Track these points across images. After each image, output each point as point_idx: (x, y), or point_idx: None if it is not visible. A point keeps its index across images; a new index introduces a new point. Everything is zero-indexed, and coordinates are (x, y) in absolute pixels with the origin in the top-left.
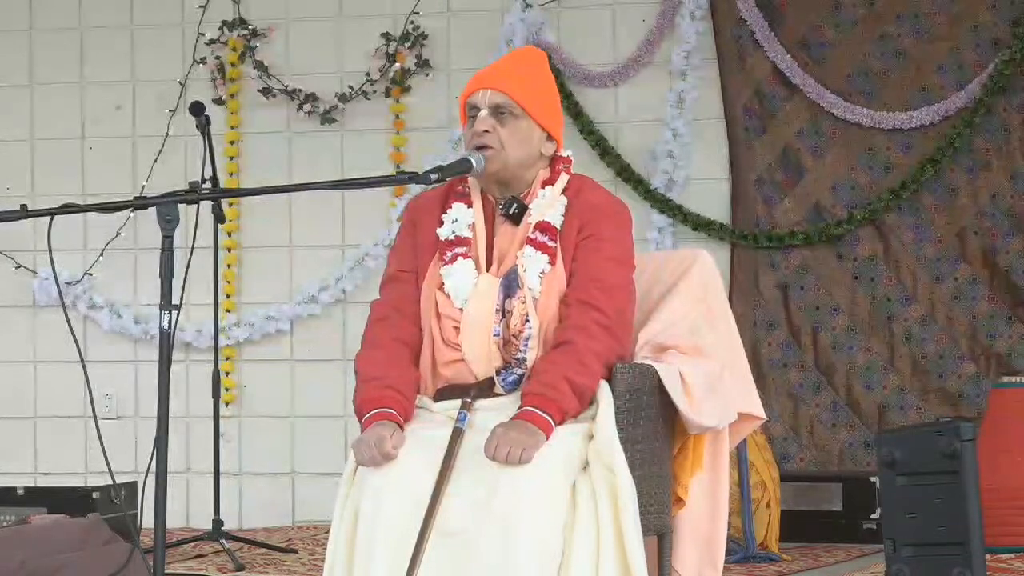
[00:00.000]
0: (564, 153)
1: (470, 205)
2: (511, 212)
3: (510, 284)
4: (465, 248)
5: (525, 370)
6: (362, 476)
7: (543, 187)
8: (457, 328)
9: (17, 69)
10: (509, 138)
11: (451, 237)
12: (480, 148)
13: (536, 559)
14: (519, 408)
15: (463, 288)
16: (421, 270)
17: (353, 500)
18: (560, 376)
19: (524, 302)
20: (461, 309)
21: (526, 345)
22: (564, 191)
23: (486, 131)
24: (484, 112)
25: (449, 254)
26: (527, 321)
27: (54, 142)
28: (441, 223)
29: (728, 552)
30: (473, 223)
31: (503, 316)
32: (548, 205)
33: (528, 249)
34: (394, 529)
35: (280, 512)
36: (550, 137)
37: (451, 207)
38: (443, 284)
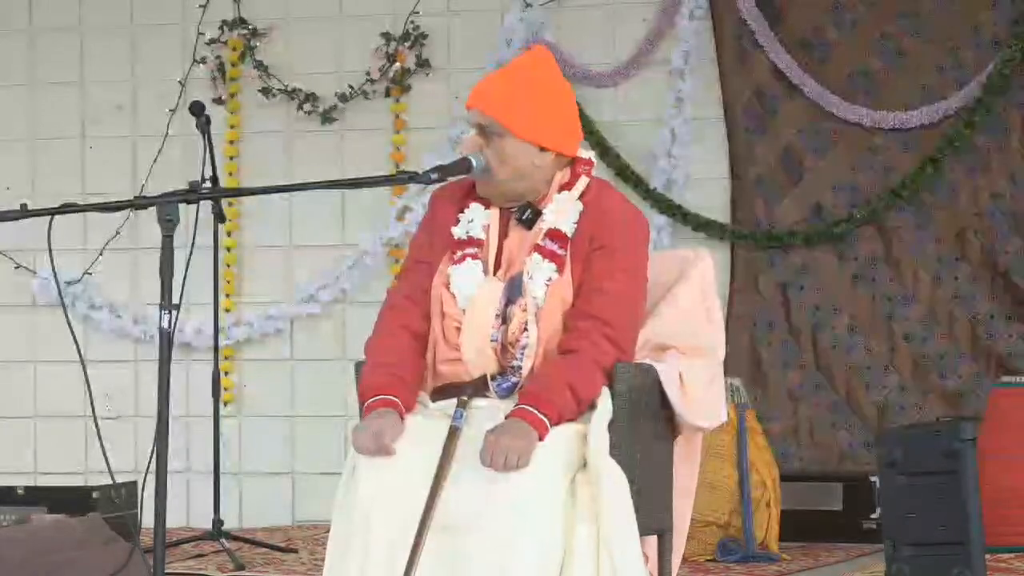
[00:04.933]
0: (585, 155)
1: (488, 207)
2: (524, 217)
3: (513, 290)
4: (476, 249)
5: (520, 379)
6: (359, 472)
7: (560, 191)
8: (458, 328)
9: (17, 69)
10: (493, 158)
11: (464, 237)
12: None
13: (535, 555)
14: (515, 405)
15: (467, 289)
16: (434, 263)
17: (352, 496)
18: (562, 381)
19: (525, 310)
20: (464, 310)
21: (522, 354)
22: (581, 196)
23: (474, 152)
24: (472, 132)
25: (459, 253)
26: (525, 330)
27: (54, 142)
28: (458, 221)
29: (728, 552)
30: (487, 225)
31: (503, 322)
32: (562, 211)
33: (536, 256)
34: (391, 526)
35: (280, 512)
36: (545, 148)
37: (468, 207)
38: (450, 282)
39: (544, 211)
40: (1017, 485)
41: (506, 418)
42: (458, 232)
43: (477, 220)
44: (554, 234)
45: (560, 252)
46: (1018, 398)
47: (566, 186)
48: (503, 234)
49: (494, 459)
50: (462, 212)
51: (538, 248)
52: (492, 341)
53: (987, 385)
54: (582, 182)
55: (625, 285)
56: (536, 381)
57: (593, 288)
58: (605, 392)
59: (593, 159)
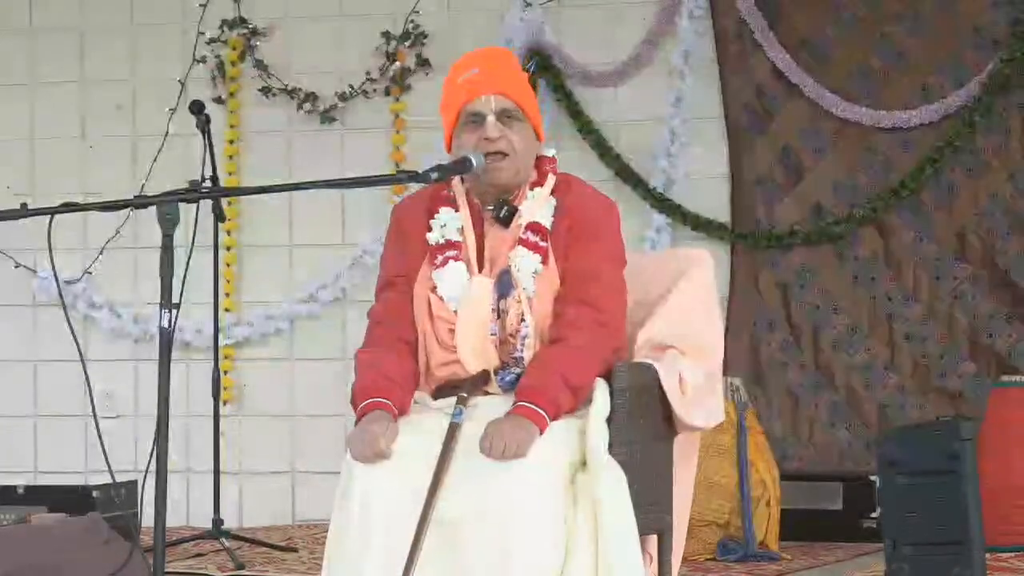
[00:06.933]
0: (548, 153)
1: (457, 209)
2: (501, 215)
3: (504, 284)
4: (456, 251)
5: (522, 369)
6: (356, 471)
7: (531, 188)
8: (452, 330)
9: (17, 68)
10: (519, 142)
11: (441, 241)
12: (494, 154)
13: (535, 549)
14: (513, 403)
15: (456, 290)
16: (411, 274)
17: (350, 494)
18: (555, 372)
19: (519, 301)
20: (455, 311)
21: (523, 344)
22: (552, 191)
23: (499, 137)
24: (491, 118)
25: (440, 257)
26: (523, 320)
27: (54, 141)
28: (428, 227)
29: (728, 551)
30: (462, 227)
31: (499, 316)
32: (538, 206)
33: (520, 249)
34: (390, 522)
35: (280, 511)
36: (539, 138)
37: (438, 212)
38: (435, 287)
39: (520, 208)
40: (1017, 485)
41: (504, 416)
42: (434, 237)
43: (451, 223)
44: (534, 227)
45: (543, 244)
46: (1018, 398)
47: (536, 183)
48: (480, 234)
49: (492, 447)
50: (432, 218)
51: (522, 242)
52: (492, 335)
53: (987, 385)
54: (551, 179)
55: (611, 271)
56: (531, 376)
57: (580, 275)
58: (602, 386)
59: (555, 157)
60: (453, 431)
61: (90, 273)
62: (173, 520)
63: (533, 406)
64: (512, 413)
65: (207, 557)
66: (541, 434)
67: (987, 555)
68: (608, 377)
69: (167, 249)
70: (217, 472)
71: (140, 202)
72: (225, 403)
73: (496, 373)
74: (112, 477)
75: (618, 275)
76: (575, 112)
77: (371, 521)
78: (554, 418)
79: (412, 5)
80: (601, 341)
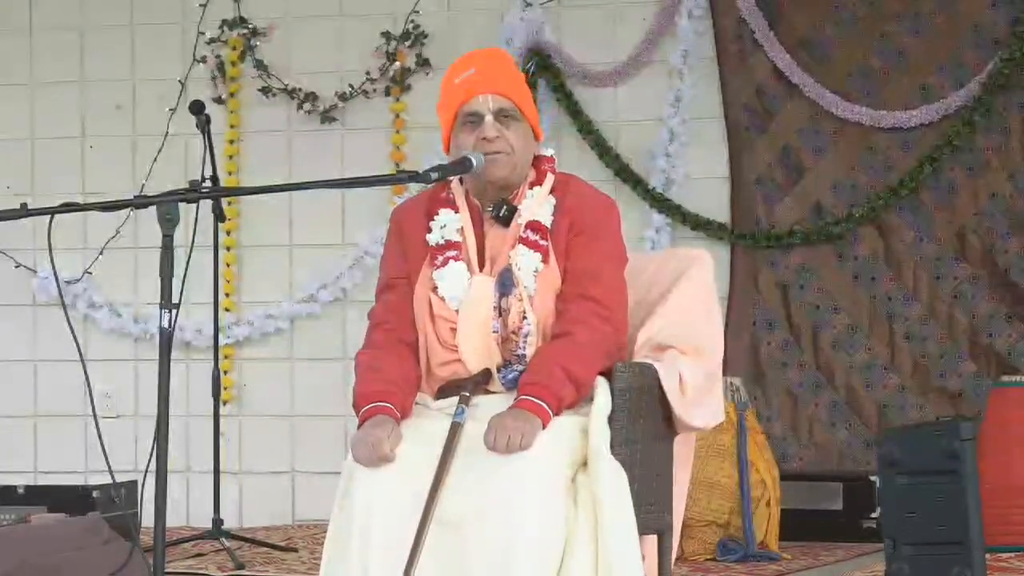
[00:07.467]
0: (547, 152)
1: (456, 211)
2: (501, 214)
3: (505, 282)
4: (456, 251)
5: (524, 366)
6: (358, 474)
7: (530, 187)
8: (453, 329)
9: (17, 68)
10: (517, 141)
11: (441, 241)
12: (492, 154)
13: (536, 548)
14: (516, 397)
15: (457, 289)
16: (412, 275)
17: (351, 496)
18: (556, 365)
19: (520, 299)
20: (456, 311)
21: (525, 341)
22: (551, 190)
23: (497, 137)
24: (489, 118)
25: (440, 258)
26: (525, 318)
27: (54, 141)
28: (428, 229)
29: (728, 551)
30: (462, 227)
31: (500, 314)
32: (537, 205)
33: (521, 248)
34: (391, 523)
35: (280, 511)
36: (537, 138)
37: (438, 213)
38: (436, 287)
39: (519, 207)
40: (1017, 485)
41: (507, 410)
42: (434, 239)
43: (450, 224)
44: (535, 225)
45: (543, 243)
46: (1018, 398)
47: (535, 182)
48: (480, 234)
49: (497, 440)
50: (431, 220)
51: (522, 240)
52: (494, 332)
53: (987, 385)
54: (550, 178)
55: (612, 270)
56: (533, 370)
57: (581, 272)
58: (603, 385)
59: (554, 156)
60: (455, 431)
61: (90, 273)
62: (173, 520)
63: (536, 399)
64: (515, 407)
65: (207, 557)
66: (544, 427)
67: (987, 555)
68: (609, 376)
69: (167, 249)
70: (217, 472)
71: (140, 202)
72: (225, 403)
73: (498, 371)
74: (112, 477)
75: (619, 274)
76: (575, 112)
77: (372, 524)
78: (556, 412)
79: (412, 5)
80: (604, 336)
